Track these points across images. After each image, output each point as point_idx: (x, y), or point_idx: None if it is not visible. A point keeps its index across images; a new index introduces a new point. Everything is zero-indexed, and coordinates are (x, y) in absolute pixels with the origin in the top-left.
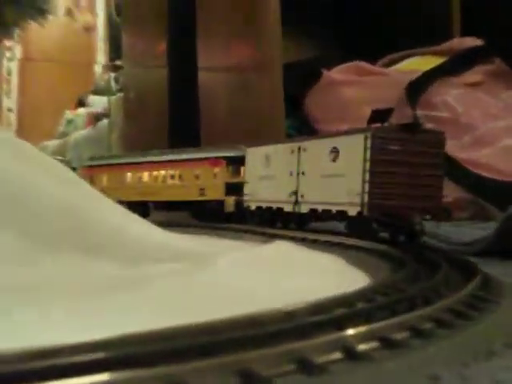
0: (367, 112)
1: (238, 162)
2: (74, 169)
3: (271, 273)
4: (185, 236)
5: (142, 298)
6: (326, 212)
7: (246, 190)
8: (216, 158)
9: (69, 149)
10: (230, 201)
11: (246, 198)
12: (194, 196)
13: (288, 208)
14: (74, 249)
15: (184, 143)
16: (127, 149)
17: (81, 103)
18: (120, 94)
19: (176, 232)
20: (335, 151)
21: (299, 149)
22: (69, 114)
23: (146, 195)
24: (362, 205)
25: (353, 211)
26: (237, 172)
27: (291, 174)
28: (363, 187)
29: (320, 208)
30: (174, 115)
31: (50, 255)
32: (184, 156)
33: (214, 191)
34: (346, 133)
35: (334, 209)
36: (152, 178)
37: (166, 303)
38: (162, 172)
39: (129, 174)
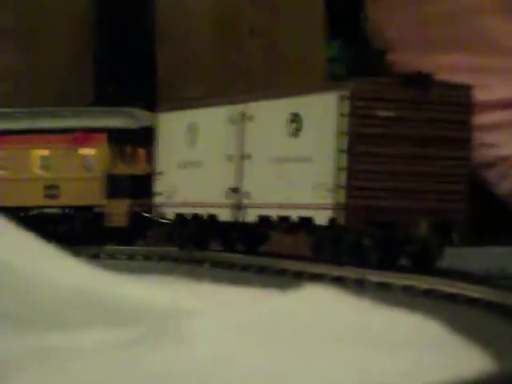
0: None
1: (130, 138)
2: None
3: (304, 350)
4: (136, 278)
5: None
6: (283, 220)
7: (159, 186)
8: (86, 129)
9: None
10: (119, 208)
11: (157, 199)
12: (36, 200)
13: (225, 215)
14: None
15: (123, 94)
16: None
17: None
18: None
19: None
20: (296, 120)
21: (242, 116)
22: None
23: None
24: (337, 208)
25: (321, 218)
26: (131, 156)
27: (230, 159)
28: (337, 178)
29: (274, 214)
30: (107, 37)
31: None
32: (23, 125)
33: (80, 191)
34: (311, 90)
35: (294, 214)
36: None
37: None
38: None
39: None
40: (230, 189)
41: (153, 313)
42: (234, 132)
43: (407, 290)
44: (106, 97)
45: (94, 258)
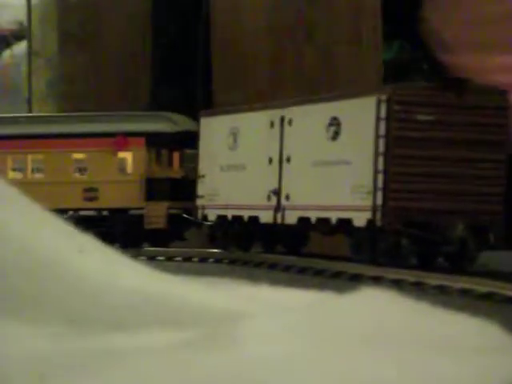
0: None
1: (167, 142)
2: None
3: (363, 355)
4: (197, 283)
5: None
6: (323, 223)
7: (201, 189)
8: (125, 133)
9: None
10: (158, 210)
11: (199, 201)
12: (75, 202)
13: (266, 217)
14: (49, 317)
15: (180, 100)
16: (67, 106)
17: None
18: None
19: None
20: (335, 124)
21: (282, 120)
22: None
23: None
24: (374, 209)
25: (360, 220)
26: (167, 160)
27: (270, 162)
28: (375, 181)
29: (313, 216)
30: (163, 41)
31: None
32: (63, 129)
33: (119, 194)
34: (351, 95)
35: (333, 216)
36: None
37: None
38: (18, 158)
39: None
40: (271, 190)
41: (209, 315)
42: (275, 135)
43: (466, 292)
44: (160, 99)
45: (150, 259)
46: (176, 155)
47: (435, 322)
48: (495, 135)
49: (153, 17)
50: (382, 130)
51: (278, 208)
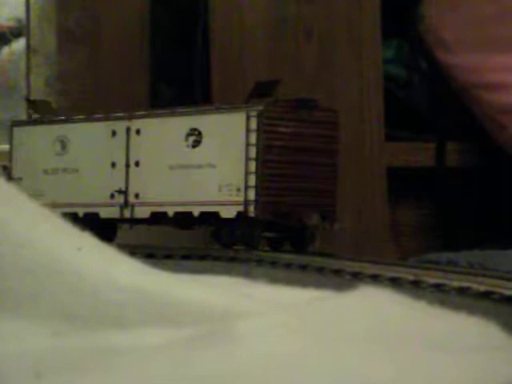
0: None
1: None
2: None
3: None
4: (196, 278)
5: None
6: (181, 216)
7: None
8: None
9: None
10: None
11: None
12: None
13: (108, 213)
14: (44, 314)
15: (178, 98)
16: (65, 104)
17: None
18: None
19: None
20: (195, 134)
21: (128, 130)
22: None
23: None
24: (246, 203)
25: (228, 212)
26: None
27: (113, 166)
28: (246, 180)
29: (170, 211)
30: (161, 38)
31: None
32: None
33: None
34: (214, 110)
35: (196, 210)
36: None
37: None
38: None
39: None
40: (115, 191)
41: (209, 313)
42: (118, 143)
43: (464, 291)
44: (158, 97)
45: (148, 257)
46: None
47: (434, 320)
48: (329, 144)
49: (151, 14)
50: (253, 140)
51: (126, 205)
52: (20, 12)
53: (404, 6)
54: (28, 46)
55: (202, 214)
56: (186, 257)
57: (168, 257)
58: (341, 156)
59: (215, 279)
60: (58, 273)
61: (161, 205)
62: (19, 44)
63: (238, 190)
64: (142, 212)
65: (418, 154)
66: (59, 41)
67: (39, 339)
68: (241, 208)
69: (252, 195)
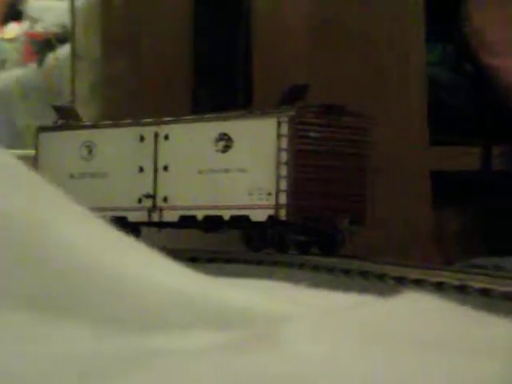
0: None
1: None
2: None
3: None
4: (239, 282)
5: None
6: (211, 220)
7: None
8: None
9: None
10: None
11: None
12: None
13: (136, 217)
14: (79, 317)
15: (221, 102)
16: (109, 110)
17: (13, 13)
18: None
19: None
20: (225, 139)
21: (156, 135)
22: None
23: None
24: (277, 207)
25: (259, 216)
26: None
27: (141, 170)
28: (277, 184)
29: (200, 215)
30: (203, 41)
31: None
32: None
33: None
34: (244, 115)
35: (226, 214)
36: None
37: None
38: None
39: None
40: (143, 195)
41: (253, 317)
42: (147, 149)
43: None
44: (201, 100)
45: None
46: None
47: (479, 325)
48: (358, 149)
49: (194, 20)
50: (284, 145)
51: (154, 208)
52: (65, 18)
53: (448, 9)
54: (73, 52)
55: (232, 217)
56: (228, 261)
57: (211, 260)
58: (384, 160)
59: (258, 283)
60: (99, 275)
61: (190, 208)
62: (64, 50)
63: (269, 194)
64: (171, 215)
65: (463, 158)
66: (103, 47)
67: (82, 342)
68: (272, 212)
69: (283, 199)
